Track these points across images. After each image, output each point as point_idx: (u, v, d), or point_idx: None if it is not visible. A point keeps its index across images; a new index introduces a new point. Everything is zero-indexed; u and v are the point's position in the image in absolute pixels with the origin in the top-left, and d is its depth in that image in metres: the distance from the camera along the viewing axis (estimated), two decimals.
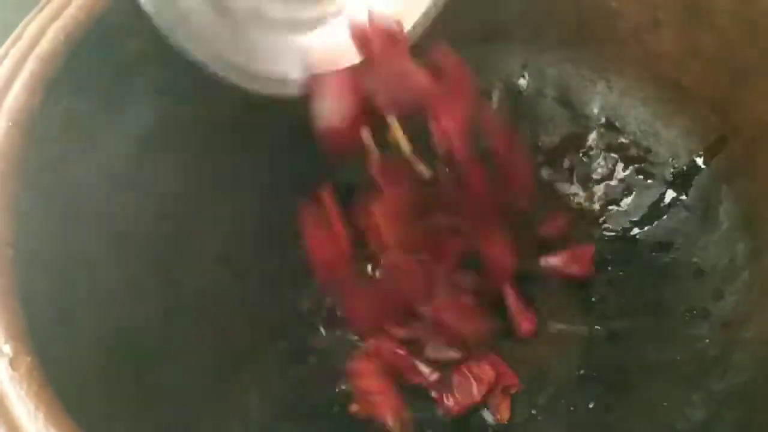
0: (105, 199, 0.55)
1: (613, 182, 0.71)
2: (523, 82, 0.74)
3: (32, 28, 0.52)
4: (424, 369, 0.61)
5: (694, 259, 0.64)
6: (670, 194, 0.68)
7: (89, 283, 0.53)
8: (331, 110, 0.55)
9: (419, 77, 0.56)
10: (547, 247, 0.68)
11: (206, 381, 0.58)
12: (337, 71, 0.56)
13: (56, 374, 0.42)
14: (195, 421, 0.56)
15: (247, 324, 0.64)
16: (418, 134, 0.58)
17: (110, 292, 0.54)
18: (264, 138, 0.66)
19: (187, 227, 0.62)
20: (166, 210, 0.61)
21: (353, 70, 0.56)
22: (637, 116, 0.70)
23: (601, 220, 0.71)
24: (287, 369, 0.64)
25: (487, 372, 0.59)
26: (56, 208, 0.51)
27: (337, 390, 0.63)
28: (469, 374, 0.60)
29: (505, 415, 0.60)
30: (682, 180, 0.67)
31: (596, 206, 0.71)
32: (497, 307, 0.65)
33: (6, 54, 0.51)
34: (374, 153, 0.58)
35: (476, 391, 0.60)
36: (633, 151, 0.71)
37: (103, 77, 0.55)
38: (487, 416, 0.61)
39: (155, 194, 0.60)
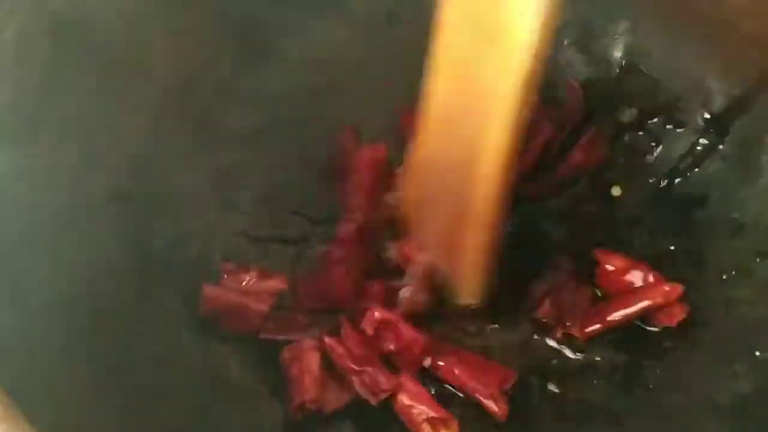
0: None
1: (639, 132, 0.64)
2: None
3: None
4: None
5: (733, 214, 0.58)
6: (703, 143, 0.61)
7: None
8: None
9: None
10: None
11: None
12: None
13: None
14: None
15: None
16: None
17: None
18: None
19: None
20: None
21: None
22: (666, 58, 0.63)
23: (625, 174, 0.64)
24: None
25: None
26: None
27: None
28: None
29: (503, 409, 0.52)
30: (717, 127, 0.61)
31: (620, 160, 0.64)
32: None
33: None
34: None
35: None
36: (661, 97, 0.64)
37: None
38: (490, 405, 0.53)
39: None
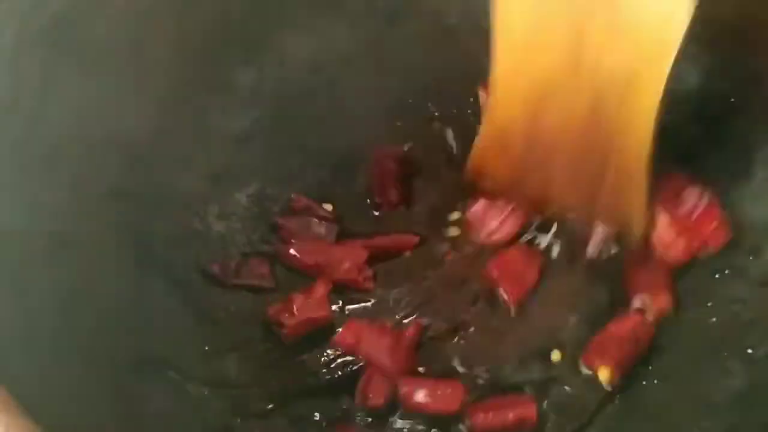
0: None
1: None
2: None
3: None
4: None
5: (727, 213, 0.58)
6: (698, 143, 0.61)
7: None
8: None
9: None
10: None
11: None
12: None
13: None
14: None
15: None
16: None
17: None
18: None
19: None
20: None
21: None
22: None
23: None
24: None
25: None
26: None
27: None
28: None
29: None
30: (711, 127, 0.61)
31: None
32: None
33: None
34: None
35: None
36: None
37: None
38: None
39: None
